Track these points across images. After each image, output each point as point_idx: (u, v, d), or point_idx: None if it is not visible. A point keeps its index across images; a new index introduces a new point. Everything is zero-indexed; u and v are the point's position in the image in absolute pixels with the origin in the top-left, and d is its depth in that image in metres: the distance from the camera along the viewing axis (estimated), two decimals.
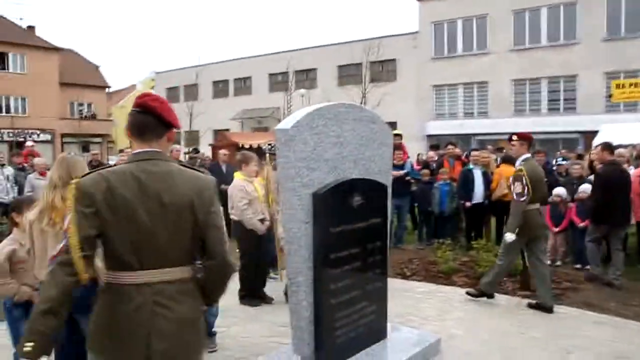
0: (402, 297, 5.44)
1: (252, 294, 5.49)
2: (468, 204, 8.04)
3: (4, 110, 33.54)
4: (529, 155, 5.39)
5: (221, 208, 2.33)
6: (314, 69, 30.02)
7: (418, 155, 14.68)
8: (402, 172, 8.38)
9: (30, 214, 3.17)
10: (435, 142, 16.30)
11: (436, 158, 10.01)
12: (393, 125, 25.77)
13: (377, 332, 3.79)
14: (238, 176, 5.54)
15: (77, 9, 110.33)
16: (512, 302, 5.47)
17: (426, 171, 9.12)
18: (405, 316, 4.97)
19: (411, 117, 25.05)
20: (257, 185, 5.51)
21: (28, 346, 1.91)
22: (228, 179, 7.02)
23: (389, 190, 3.94)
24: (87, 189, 1.96)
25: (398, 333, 4.03)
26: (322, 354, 3.30)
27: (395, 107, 24.12)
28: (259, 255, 5.52)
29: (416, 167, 9.99)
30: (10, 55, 34.20)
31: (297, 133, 3.12)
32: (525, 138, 5.37)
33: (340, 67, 28.33)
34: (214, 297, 2.28)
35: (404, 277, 6.61)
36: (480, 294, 5.46)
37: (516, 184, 5.16)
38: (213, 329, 4.26)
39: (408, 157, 9.16)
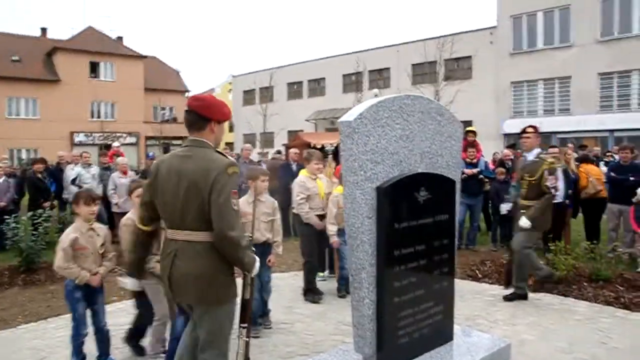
0: (472, 299, 5.23)
1: (313, 290, 5.65)
2: None
3: (95, 115, 36.01)
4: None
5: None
6: (387, 68, 29.73)
7: (494, 154, 14.09)
8: (475, 170, 8.08)
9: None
10: (512, 141, 15.56)
11: (512, 157, 9.54)
12: (468, 124, 25.03)
13: (442, 334, 3.64)
14: (302, 173, 5.79)
15: (160, 18, 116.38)
16: (593, 309, 5.08)
17: (501, 170, 8.72)
18: (474, 319, 4.76)
19: (487, 116, 24.14)
20: (319, 182, 5.64)
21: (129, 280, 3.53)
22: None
23: (458, 186, 3.78)
24: (151, 168, 2.86)
25: (465, 336, 3.85)
26: (383, 354, 3.20)
27: (471, 105, 23.35)
28: (319, 251, 5.76)
29: (491, 166, 9.59)
30: (101, 64, 36.75)
31: (361, 125, 3.05)
32: (538, 131, 5.36)
33: (414, 65, 27.83)
34: (236, 265, 2.72)
35: (475, 279, 6.36)
36: (517, 296, 5.38)
37: (550, 177, 5.13)
38: (267, 308, 4.71)
39: (482, 155, 8.79)
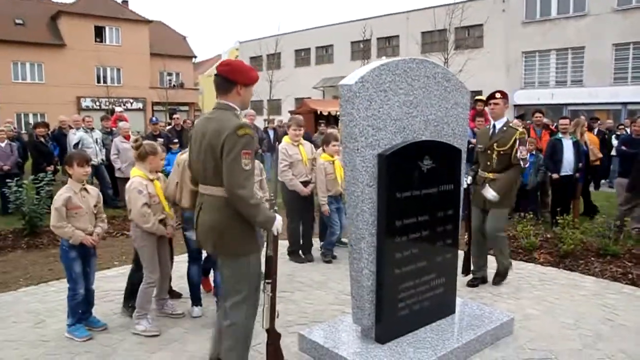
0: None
1: (297, 252, 5.86)
2: (555, 176, 7.42)
3: (101, 80, 35.71)
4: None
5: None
6: (396, 36, 29.12)
7: None
8: None
9: (183, 156, 3.90)
10: (522, 112, 15.26)
11: (522, 127, 9.31)
12: (478, 93, 24.54)
13: (444, 307, 3.57)
14: (285, 139, 5.82)
15: None
16: (600, 285, 4.97)
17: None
18: (478, 292, 4.68)
19: (498, 86, 23.53)
20: (302, 148, 5.68)
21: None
22: None
23: (464, 156, 3.64)
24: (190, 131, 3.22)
25: (467, 309, 3.77)
26: (382, 326, 3.13)
27: (481, 75, 22.87)
28: (302, 216, 5.81)
29: None
30: (106, 29, 36.26)
31: (362, 89, 2.90)
32: (507, 97, 4.92)
33: (423, 33, 27.20)
34: (252, 222, 2.83)
35: None
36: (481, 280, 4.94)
37: (521, 148, 4.67)
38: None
39: None
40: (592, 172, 8.74)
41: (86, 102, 34.83)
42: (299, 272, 5.36)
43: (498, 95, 4.81)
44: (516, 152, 4.62)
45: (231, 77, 2.89)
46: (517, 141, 4.63)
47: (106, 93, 33.19)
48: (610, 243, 5.92)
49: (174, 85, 39.63)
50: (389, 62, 3.06)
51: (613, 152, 10.06)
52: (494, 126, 4.85)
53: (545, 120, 9.26)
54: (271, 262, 2.95)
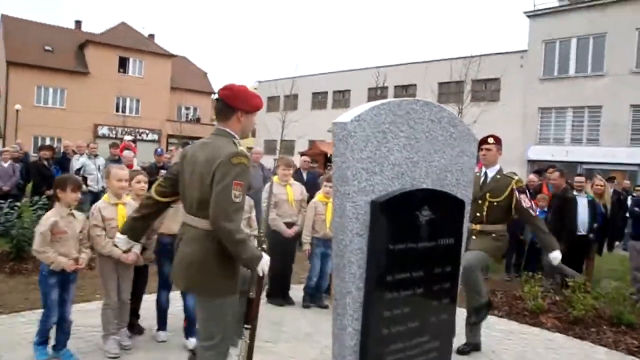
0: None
1: (277, 294, 5.65)
2: None
3: (120, 109, 36.29)
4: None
5: None
6: (414, 85, 29.28)
7: None
8: None
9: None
10: (538, 168, 14.91)
11: (537, 183, 9.02)
12: None
13: None
14: (274, 179, 5.67)
15: (192, 18, 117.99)
16: (614, 358, 4.57)
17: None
18: (478, 357, 4.30)
19: (512, 140, 23.42)
20: (289, 189, 5.61)
21: (121, 237, 3.16)
22: (307, 186, 6.96)
23: (468, 208, 3.36)
24: (181, 152, 3.12)
25: None
26: None
27: (496, 128, 22.59)
28: (284, 258, 5.62)
29: None
30: (130, 60, 37.21)
31: (358, 129, 2.67)
32: (500, 143, 4.53)
33: (440, 84, 27.33)
34: (235, 257, 2.63)
35: None
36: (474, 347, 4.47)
37: (522, 196, 4.29)
38: None
39: None
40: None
41: (103, 130, 35.31)
42: (287, 319, 5.04)
43: (491, 140, 4.46)
44: (518, 203, 4.25)
45: (232, 103, 2.77)
46: (516, 191, 4.26)
47: (122, 123, 33.67)
48: (625, 311, 5.52)
49: (190, 120, 40.09)
50: (389, 102, 2.84)
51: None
52: (486, 174, 4.46)
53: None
54: (252, 305, 2.72)
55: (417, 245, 2.93)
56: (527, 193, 4.37)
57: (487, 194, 4.35)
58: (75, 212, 3.90)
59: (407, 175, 2.93)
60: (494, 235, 4.34)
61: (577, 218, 7.03)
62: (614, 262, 9.36)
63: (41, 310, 4.41)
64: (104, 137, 33.34)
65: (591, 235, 7.09)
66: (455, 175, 3.24)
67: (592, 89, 21.93)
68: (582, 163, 21.46)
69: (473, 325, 4.39)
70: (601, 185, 7.76)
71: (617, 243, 11.46)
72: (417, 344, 3.03)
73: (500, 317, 5.64)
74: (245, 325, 2.71)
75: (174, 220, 3.94)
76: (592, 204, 7.13)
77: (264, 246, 2.82)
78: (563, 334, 5.14)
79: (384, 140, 2.78)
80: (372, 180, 2.75)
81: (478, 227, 4.35)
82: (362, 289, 2.76)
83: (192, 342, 4.05)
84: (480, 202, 4.36)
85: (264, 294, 5.63)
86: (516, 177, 4.39)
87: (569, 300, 5.74)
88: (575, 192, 7.30)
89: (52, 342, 3.87)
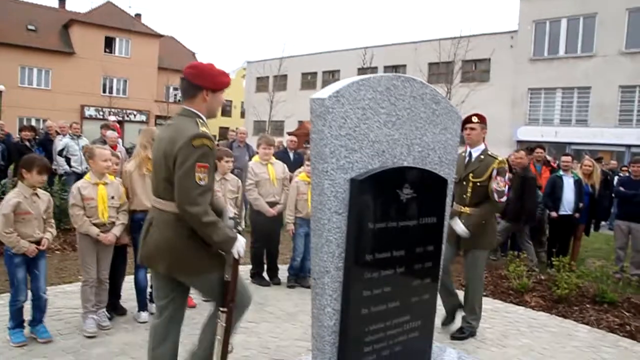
0: (460, 312, 4.74)
1: (261, 275, 5.70)
2: (554, 214, 7.08)
3: (107, 90, 35.78)
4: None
5: None
6: (403, 65, 29.12)
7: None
8: None
9: (128, 165, 4.31)
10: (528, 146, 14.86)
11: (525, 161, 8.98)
12: None
13: (418, 353, 3.19)
14: (255, 158, 5.78)
15: None
16: (595, 336, 4.60)
17: (509, 175, 8.20)
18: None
19: (501, 121, 23.48)
20: (271, 168, 5.58)
21: None
22: (294, 166, 6.89)
23: (451, 186, 3.31)
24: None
25: (445, 357, 3.39)
26: None
27: (485, 109, 22.58)
28: (268, 238, 5.69)
29: None
30: (117, 40, 36.58)
31: (336, 105, 2.59)
32: (485, 122, 4.36)
33: (430, 64, 27.16)
34: (206, 240, 2.56)
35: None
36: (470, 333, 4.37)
37: (499, 179, 4.13)
38: None
39: None
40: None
41: (90, 111, 34.85)
42: (270, 300, 5.01)
43: (475, 119, 4.29)
44: (491, 182, 4.13)
45: (197, 82, 2.68)
46: (495, 171, 4.14)
47: (110, 103, 33.22)
48: (608, 290, 5.55)
49: (179, 100, 39.63)
50: (369, 78, 2.76)
51: None
52: (470, 154, 4.33)
53: (548, 157, 8.96)
54: (228, 288, 2.66)
55: (398, 224, 2.88)
56: (506, 175, 4.24)
57: (470, 175, 4.25)
58: (39, 191, 3.86)
59: (388, 153, 2.87)
60: (483, 222, 4.25)
61: (562, 198, 7.03)
62: (599, 241, 9.44)
63: (6, 295, 4.41)
64: (90, 118, 33.04)
65: (577, 215, 7.10)
66: (438, 153, 3.18)
67: (582, 69, 21.93)
68: (570, 143, 21.58)
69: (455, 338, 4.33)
70: (589, 166, 7.73)
71: (603, 223, 11.55)
72: (397, 323, 3.00)
73: (485, 296, 5.60)
74: (221, 309, 2.64)
75: (145, 196, 4.03)
76: (578, 184, 7.13)
77: (240, 228, 2.74)
78: (547, 313, 5.16)
79: (364, 117, 2.71)
80: (352, 157, 2.68)
81: (466, 209, 4.26)
82: (341, 268, 2.72)
83: (142, 316, 4.29)
84: (464, 183, 4.27)
85: (248, 274, 5.64)
86: (500, 158, 4.28)
87: (553, 279, 5.77)
88: (562, 172, 7.29)
89: (26, 325, 3.85)
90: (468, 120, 4.28)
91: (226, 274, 2.65)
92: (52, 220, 3.97)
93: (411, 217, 2.96)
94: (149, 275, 4.27)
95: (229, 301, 2.64)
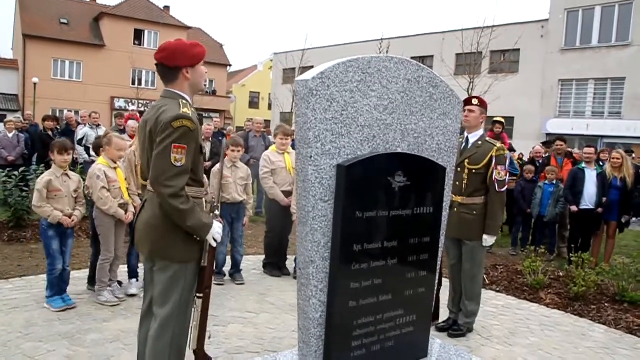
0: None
1: (274, 264, 5.64)
2: (574, 208, 6.79)
3: (136, 82, 36.30)
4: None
5: None
6: (431, 56, 28.59)
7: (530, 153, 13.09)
8: None
9: (128, 150, 4.68)
10: (548, 139, 14.37)
11: (544, 154, 8.69)
12: (510, 120, 23.70)
13: (413, 350, 3.05)
14: (271, 148, 5.75)
15: None
16: (611, 337, 4.36)
17: (530, 167, 7.93)
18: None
19: (531, 113, 22.90)
20: (287, 157, 5.52)
21: None
22: None
23: (451, 176, 3.15)
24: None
25: (444, 354, 3.25)
26: None
27: (514, 101, 22.14)
28: (282, 227, 5.62)
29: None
30: (145, 32, 37.01)
31: (321, 87, 2.47)
32: (486, 107, 4.15)
33: (458, 55, 26.56)
34: (180, 225, 2.47)
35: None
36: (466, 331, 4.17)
37: (499, 167, 3.93)
38: (239, 265, 5.32)
39: (508, 150, 8.01)
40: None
41: (119, 103, 35.43)
42: (273, 291, 4.93)
43: (475, 101, 4.09)
44: (491, 172, 3.94)
45: (172, 63, 2.57)
46: (494, 159, 3.95)
47: (136, 95, 33.73)
48: (630, 288, 5.28)
49: (206, 92, 39.95)
50: (359, 59, 2.62)
51: None
52: (467, 139, 4.13)
53: (570, 149, 8.60)
54: (204, 274, 2.59)
55: (390, 213, 2.75)
56: (506, 163, 4.03)
57: (466, 161, 4.05)
58: (70, 172, 4.37)
59: (380, 139, 2.73)
60: (475, 212, 4.02)
61: (584, 191, 6.73)
62: (628, 238, 9.06)
63: (30, 277, 5.00)
64: (120, 109, 33.52)
65: (600, 210, 6.77)
66: (436, 139, 3.02)
67: (616, 59, 21.11)
68: (603, 137, 20.86)
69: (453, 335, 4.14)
70: (618, 158, 7.26)
71: (634, 219, 11.07)
72: (390, 317, 2.87)
73: (498, 292, 5.45)
74: (197, 294, 2.57)
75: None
76: (601, 177, 6.79)
77: (217, 212, 2.65)
78: (562, 311, 4.93)
79: (352, 100, 2.57)
80: (338, 142, 2.56)
81: (459, 198, 4.06)
82: (327, 258, 2.60)
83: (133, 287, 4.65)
84: (459, 169, 4.05)
85: (260, 264, 5.62)
86: (498, 145, 4.08)
87: (571, 276, 5.52)
88: (584, 165, 6.98)
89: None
90: (468, 102, 4.08)
91: (203, 260, 2.56)
92: (83, 200, 4.43)
93: (405, 206, 2.82)
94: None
95: (205, 287, 2.58)
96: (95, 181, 4.31)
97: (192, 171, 2.53)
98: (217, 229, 2.53)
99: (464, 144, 4.14)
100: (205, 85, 2.71)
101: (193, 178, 2.57)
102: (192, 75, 2.60)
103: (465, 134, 4.18)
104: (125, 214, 4.46)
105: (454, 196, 4.03)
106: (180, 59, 2.56)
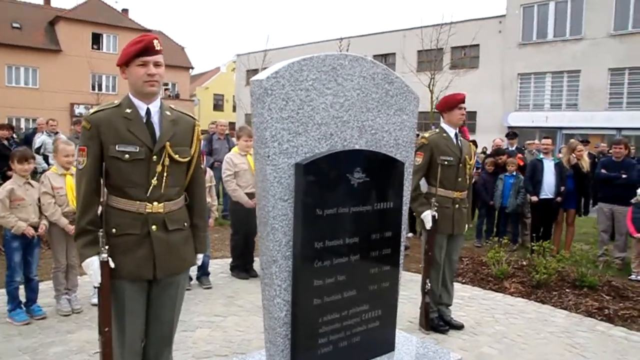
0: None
1: (241, 267, 5.64)
2: (535, 198, 6.98)
3: (96, 87, 35.44)
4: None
5: None
6: (393, 54, 28.89)
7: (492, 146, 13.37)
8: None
9: None
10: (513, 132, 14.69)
11: (505, 146, 8.89)
12: (472, 114, 24.15)
13: (380, 344, 3.08)
14: (234, 150, 5.71)
15: None
16: (571, 321, 4.51)
17: (491, 160, 8.11)
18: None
19: (492, 107, 23.41)
20: (250, 158, 5.45)
21: None
22: None
23: (410, 170, 3.20)
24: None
25: (410, 346, 3.29)
26: None
27: (476, 96, 22.52)
28: (248, 229, 5.58)
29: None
30: (104, 36, 36.16)
31: (276, 86, 2.47)
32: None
33: (419, 52, 26.92)
34: None
35: None
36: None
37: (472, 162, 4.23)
38: (207, 269, 5.23)
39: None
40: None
41: (80, 109, 34.44)
42: (240, 293, 4.91)
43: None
44: (472, 167, 4.16)
45: (118, 61, 2.53)
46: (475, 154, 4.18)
47: (98, 100, 32.93)
48: (588, 273, 5.46)
49: (169, 96, 39.36)
50: (312, 57, 2.64)
51: None
52: (456, 135, 4.15)
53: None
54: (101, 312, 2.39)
55: (350, 209, 2.77)
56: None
57: (467, 157, 4.10)
58: (32, 181, 4.35)
59: (337, 136, 2.74)
60: (467, 205, 4.19)
61: (543, 181, 6.92)
62: (587, 225, 9.35)
63: None
64: (80, 116, 32.61)
65: (559, 199, 6.98)
66: (393, 135, 3.06)
67: (571, 53, 21.79)
68: (561, 128, 21.49)
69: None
70: (581, 150, 7.55)
71: (592, 207, 11.45)
72: (355, 313, 2.89)
73: (464, 283, 5.56)
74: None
75: None
76: (558, 167, 7.01)
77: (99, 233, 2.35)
78: (525, 299, 5.06)
79: (308, 99, 2.58)
80: (296, 141, 2.56)
81: (460, 194, 4.09)
82: (289, 257, 2.60)
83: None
84: (461, 165, 4.06)
85: (227, 267, 5.57)
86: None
87: (533, 264, 5.67)
88: (542, 156, 7.18)
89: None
90: (463, 100, 4.13)
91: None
92: (50, 208, 4.34)
93: (365, 202, 2.84)
94: None
95: (104, 327, 2.36)
96: (39, 187, 4.29)
97: (107, 176, 2.34)
98: (92, 268, 2.28)
99: (454, 140, 4.11)
100: (150, 85, 2.48)
101: (111, 184, 2.36)
102: (129, 73, 2.47)
103: (451, 130, 4.14)
104: (72, 223, 4.13)
105: (454, 193, 4.06)
106: (120, 57, 2.50)
